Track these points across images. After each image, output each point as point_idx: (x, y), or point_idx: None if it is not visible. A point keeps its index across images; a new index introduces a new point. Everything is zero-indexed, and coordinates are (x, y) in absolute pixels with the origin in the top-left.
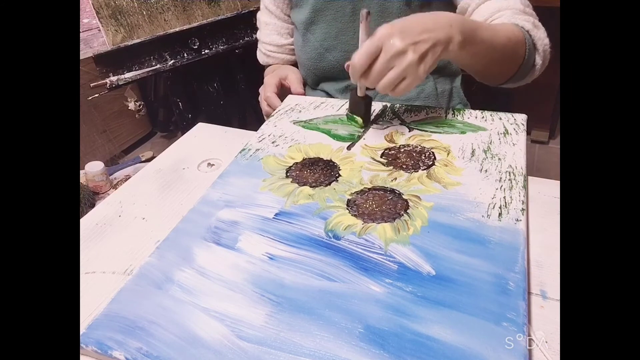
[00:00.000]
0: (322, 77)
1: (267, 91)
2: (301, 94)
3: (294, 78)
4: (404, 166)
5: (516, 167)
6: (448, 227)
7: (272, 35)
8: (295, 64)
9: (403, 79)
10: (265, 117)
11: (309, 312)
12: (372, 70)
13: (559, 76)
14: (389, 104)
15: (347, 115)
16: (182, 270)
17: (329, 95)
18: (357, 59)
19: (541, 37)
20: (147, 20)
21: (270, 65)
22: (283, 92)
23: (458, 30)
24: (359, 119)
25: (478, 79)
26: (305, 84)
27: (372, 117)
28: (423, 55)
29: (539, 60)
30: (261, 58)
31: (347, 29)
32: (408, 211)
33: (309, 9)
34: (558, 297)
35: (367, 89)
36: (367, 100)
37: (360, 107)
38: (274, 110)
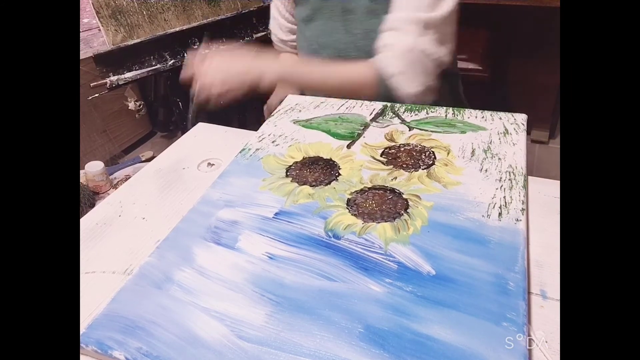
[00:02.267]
0: None
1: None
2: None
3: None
4: (404, 165)
5: (516, 167)
6: (448, 226)
7: (275, 28)
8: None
9: None
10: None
11: (309, 312)
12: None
13: (559, 76)
14: (389, 104)
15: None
16: (182, 270)
17: None
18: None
19: (406, 85)
20: (147, 20)
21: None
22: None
23: (278, 72)
24: None
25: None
26: None
27: (373, 116)
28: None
29: (397, 77)
30: (274, 45)
31: (339, 27)
32: (408, 211)
33: (309, 7)
34: (558, 297)
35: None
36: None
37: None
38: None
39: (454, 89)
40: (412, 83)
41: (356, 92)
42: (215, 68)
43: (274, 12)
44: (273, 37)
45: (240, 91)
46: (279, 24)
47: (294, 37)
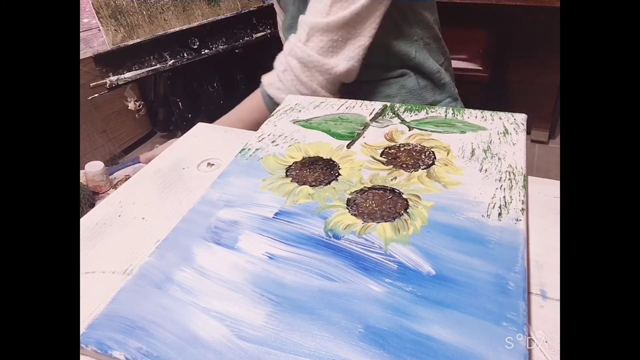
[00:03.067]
0: None
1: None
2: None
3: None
4: (404, 165)
5: (516, 167)
6: (448, 226)
7: (281, 33)
8: None
9: None
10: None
11: (309, 312)
12: None
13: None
14: (388, 104)
15: None
16: (182, 270)
17: None
18: None
19: (279, 88)
20: (147, 20)
21: None
22: None
23: None
24: None
25: None
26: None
27: (373, 116)
28: None
29: (268, 88)
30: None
31: None
32: (408, 210)
33: (289, 16)
34: (558, 297)
35: None
36: None
37: None
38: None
39: (438, 83)
40: (282, 94)
41: (261, 114)
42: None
43: (278, 20)
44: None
45: None
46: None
47: None
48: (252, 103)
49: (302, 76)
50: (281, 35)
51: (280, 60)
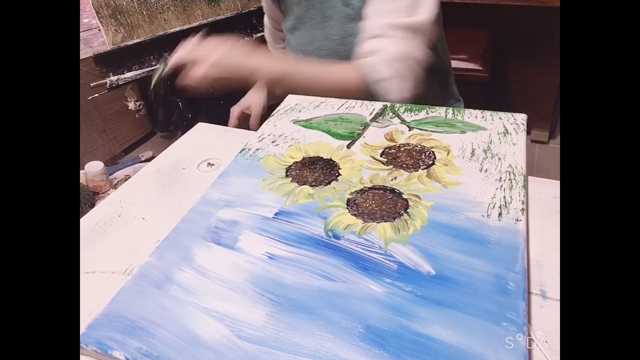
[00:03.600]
0: None
1: (230, 123)
2: (254, 129)
3: (255, 108)
4: (404, 165)
5: (516, 167)
6: (448, 226)
7: (269, 38)
8: None
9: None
10: None
11: (309, 312)
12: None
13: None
14: (388, 104)
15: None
16: (182, 270)
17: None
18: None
19: (395, 89)
20: (147, 20)
21: None
22: (246, 120)
23: (271, 71)
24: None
25: None
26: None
27: (373, 116)
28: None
29: (384, 82)
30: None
31: (319, 35)
32: (408, 210)
33: (293, 18)
34: (558, 297)
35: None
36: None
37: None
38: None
39: (443, 85)
40: (401, 89)
41: (342, 94)
42: (211, 49)
43: (266, 21)
44: (269, 45)
45: (226, 81)
46: (271, 32)
47: (283, 44)
48: (341, 78)
49: (417, 72)
50: (269, 36)
51: (390, 61)
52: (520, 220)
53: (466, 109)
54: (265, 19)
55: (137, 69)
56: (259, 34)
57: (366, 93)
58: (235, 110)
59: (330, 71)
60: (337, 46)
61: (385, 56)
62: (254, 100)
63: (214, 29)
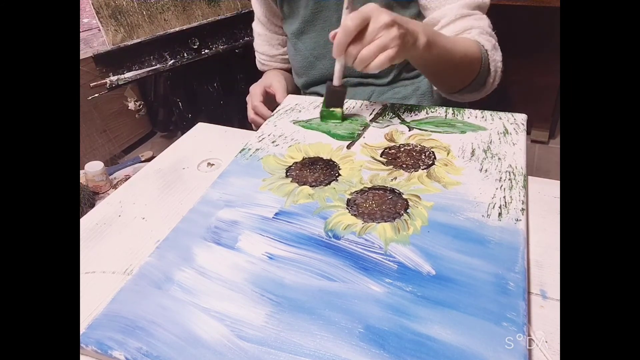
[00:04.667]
0: (313, 83)
1: (254, 100)
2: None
3: (278, 86)
4: (404, 165)
5: (516, 167)
6: (448, 226)
7: (264, 46)
8: (289, 71)
9: (383, 51)
10: (253, 127)
11: (309, 312)
12: (363, 37)
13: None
14: (389, 104)
15: (322, 113)
16: (182, 270)
17: (322, 96)
18: (348, 23)
19: (497, 59)
20: (147, 20)
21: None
22: (268, 99)
23: (423, 31)
24: (339, 111)
25: (433, 85)
26: (296, 87)
27: (373, 117)
28: (403, 35)
29: (490, 79)
30: (258, 65)
31: None
32: (408, 211)
33: (299, 20)
34: (558, 297)
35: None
36: (344, 90)
37: (339, 98)
38: (262, 118)
39: None
40: (499, 59)
41: (467, 65)
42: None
43: (258, 29)
44: (260, 57)
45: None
46: (268, 39)
47: (284, 49)
48: (469, 46)
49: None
50: (263, 45)
51: (486, 34)
52: (520, 220)
53: (466, 109)
54: (259, 27)
55: (137, 69)
56: None
57: (482, 64)
58: (256, 89)
59: (457, 39)
60: None
61: (478, 30)
62: (275, 78)
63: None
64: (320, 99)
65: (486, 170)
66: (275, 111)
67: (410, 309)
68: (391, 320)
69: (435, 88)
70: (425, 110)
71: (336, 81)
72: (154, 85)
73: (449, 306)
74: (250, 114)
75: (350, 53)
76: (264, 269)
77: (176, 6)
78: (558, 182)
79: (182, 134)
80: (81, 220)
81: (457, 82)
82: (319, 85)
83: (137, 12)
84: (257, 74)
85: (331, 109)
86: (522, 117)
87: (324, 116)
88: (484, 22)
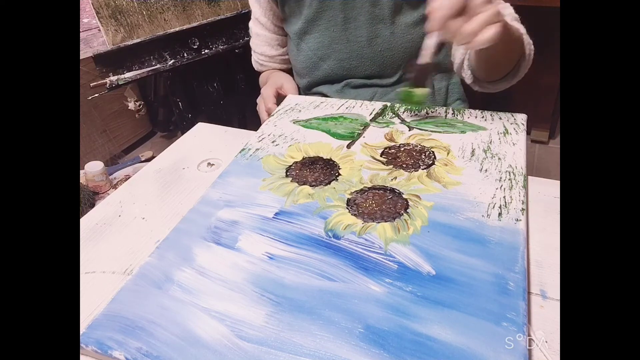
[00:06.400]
0: (316, 83)
1: (267, 103)
2: None
3: (289, 87)
4: (404, 165)
5: (516, 167)
6: (448, 226)
7: (263, 47)
8: (288, 71)
9: (485, 29)
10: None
11: (309, 312)
12: (468, 8)
13: (559, 76)
14: (388, 104)
15: (404, 93)
16: (182, 270)
17: (326, 96)
18: (448, 1)
19: (530, 42)
20: (147, 20)
21: (263, 72)
22: (280, 100)
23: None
24: (424, 91)
25: (481, 74)
26: (299, 88)
27: (373, 116)
28: (499, 11)
29: (524, 64)
30: (255, 65)
31: (340, 37)
32: (408, 210)
33: (302, 20)
34: (558, 297)
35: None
36: (432, 68)
37: (426, 74)
38: None
39: (451, 85)
40: (530, 41)
41: (520, 50)
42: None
43: (257, 29)
44: (258, 57)
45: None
46: (267, 39)
47: (284, 49)
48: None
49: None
50: (263, 46)
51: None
52: (520, 220)
53: (466, 109)
54: (257, 27)
55: (137, 69)
56: None
57: (526, 48)
58: (268, 90)
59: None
60: (362, 49)
61: (510, 17)
62: (284, 79)
63: (214, 29)
64: (323, 99)
65: (486, 170)
66: (275, 111)
67: (410, 309)
68: (391, 320)
69: (437, 87)
70: (425, 110)
71: (427, 58)
72: (154, 85)
73: (449, 306)
74: (264, 117)
75: (449, 27)
76: (264, 269)
77: (176, 6)
78: (558, 182)
79: (182, 134)
80: (81, 220)
81: (508, 66)
82: (322, 86)
83: (137, 12)
84: (257, 74)
85: (413, 91)
86: (522, 117)
87: (404, 99)
88: (510, 9)
